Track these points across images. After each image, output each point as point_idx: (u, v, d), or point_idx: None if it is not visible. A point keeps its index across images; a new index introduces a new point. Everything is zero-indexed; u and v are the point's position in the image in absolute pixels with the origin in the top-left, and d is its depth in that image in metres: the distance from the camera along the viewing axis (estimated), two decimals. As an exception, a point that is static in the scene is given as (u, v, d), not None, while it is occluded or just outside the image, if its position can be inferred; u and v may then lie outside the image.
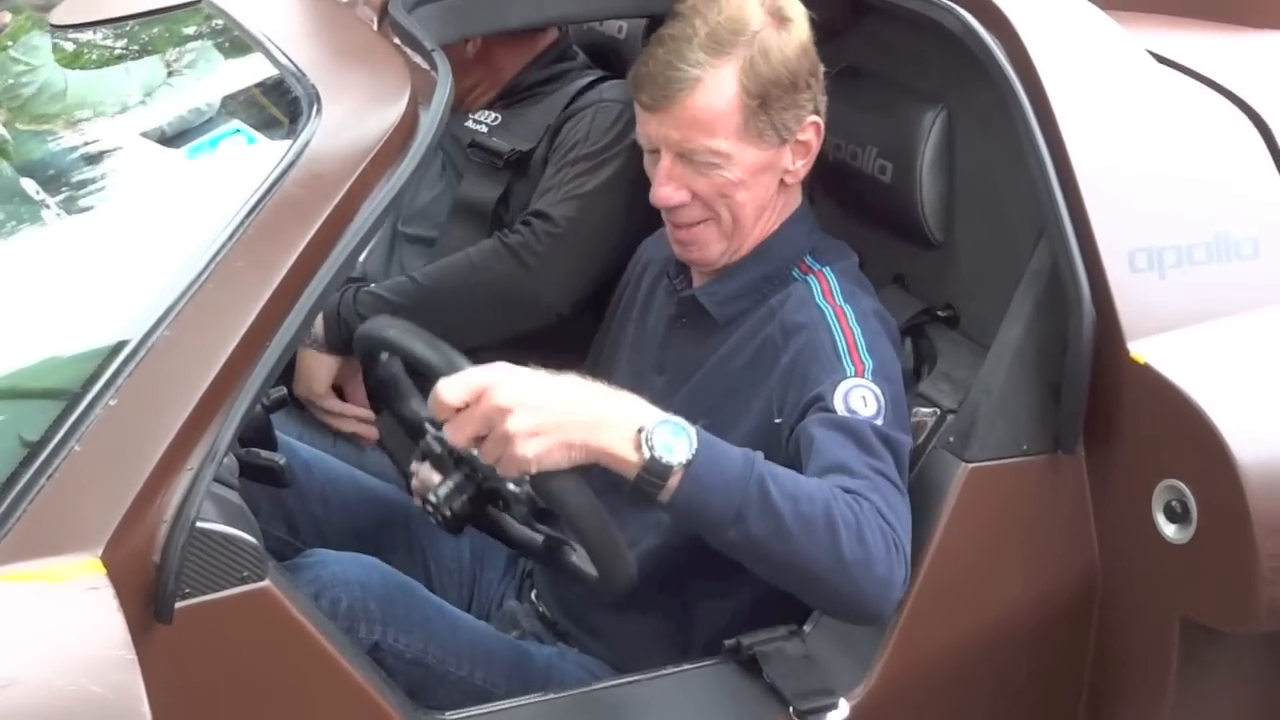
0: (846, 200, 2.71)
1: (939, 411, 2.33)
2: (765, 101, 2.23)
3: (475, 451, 1.92)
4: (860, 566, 1.94)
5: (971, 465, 2.22)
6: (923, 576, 2.17)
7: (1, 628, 1.66)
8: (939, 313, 2.54)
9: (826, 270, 2.34)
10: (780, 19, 2.27)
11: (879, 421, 2.11)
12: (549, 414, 1.85)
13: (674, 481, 1.88)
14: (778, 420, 2.21)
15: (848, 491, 1.98)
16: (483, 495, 2.16)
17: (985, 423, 2.23)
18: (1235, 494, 2.07)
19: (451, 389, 1.87)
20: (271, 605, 1.88)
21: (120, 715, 1.60)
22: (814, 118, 2.31)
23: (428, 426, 2.21)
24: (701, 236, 2.32)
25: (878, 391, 2.14)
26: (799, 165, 2.32)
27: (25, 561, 1.71)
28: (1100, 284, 2.21)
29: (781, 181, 2.33)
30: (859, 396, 2.12)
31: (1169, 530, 2.17)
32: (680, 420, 1.90)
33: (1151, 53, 2.47)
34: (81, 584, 1.70)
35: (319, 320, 2.76)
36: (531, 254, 2.73)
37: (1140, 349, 2.19)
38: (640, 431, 1.88)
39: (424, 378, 2.01)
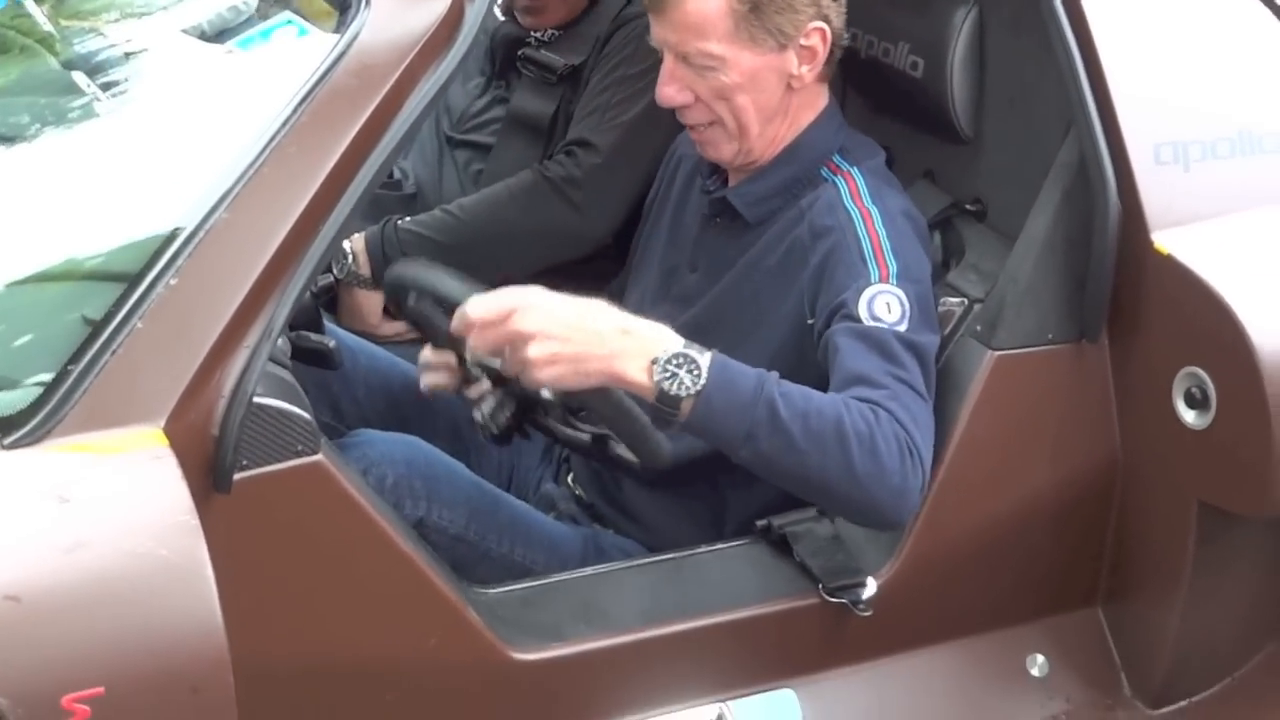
0: (878, 97, 2.73)
1: (966, 301, 2.36)
2: (756, 6, 2.23)
3: (498, 362, 2.03)
4: (872, 478, 2.00)
5: (998, 353, 2.26)
6: (948, 460, 2.23)
7: (70, 494, 1.71)
8: (967, 206, 2.56)
9: (855, 171, 2.35)
10: None
11: (902, 327, 2.14)
12: (567, 344, 1.94)
13: (686, 407, 1.96)
14: (810, 321, 2.25)
15: (868, 402, 2.04)
16: (522, 407, 2.27)
17: (1012, 311, 2.27)
18: (1254, 381, 2.12)
19: (479, 305, 1.96)
20: (324, 478, 1.95)
21: (185, 577, 1.67)
22: (818, 23, 2.28)
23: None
24: (710, 137, 2.35)
25: (902, 295, 2.17)
26: (804, 70, 2.30)
27: (91, 432, 1.77)
28: (1126, 176, 2.24)
29: (789, 86, 2.32)
30: (883, 303, 2.16)
31: (1189, 416, 2.22)
32: (694, 349, 1.97)
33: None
34: (146, 454, 1.76)
35: (364, 259, 2.79)
36: (576, 188, 2.76)
37: (1164, 240, 2.23)
38: (654, 362, 1.95)
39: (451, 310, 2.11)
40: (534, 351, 1.93)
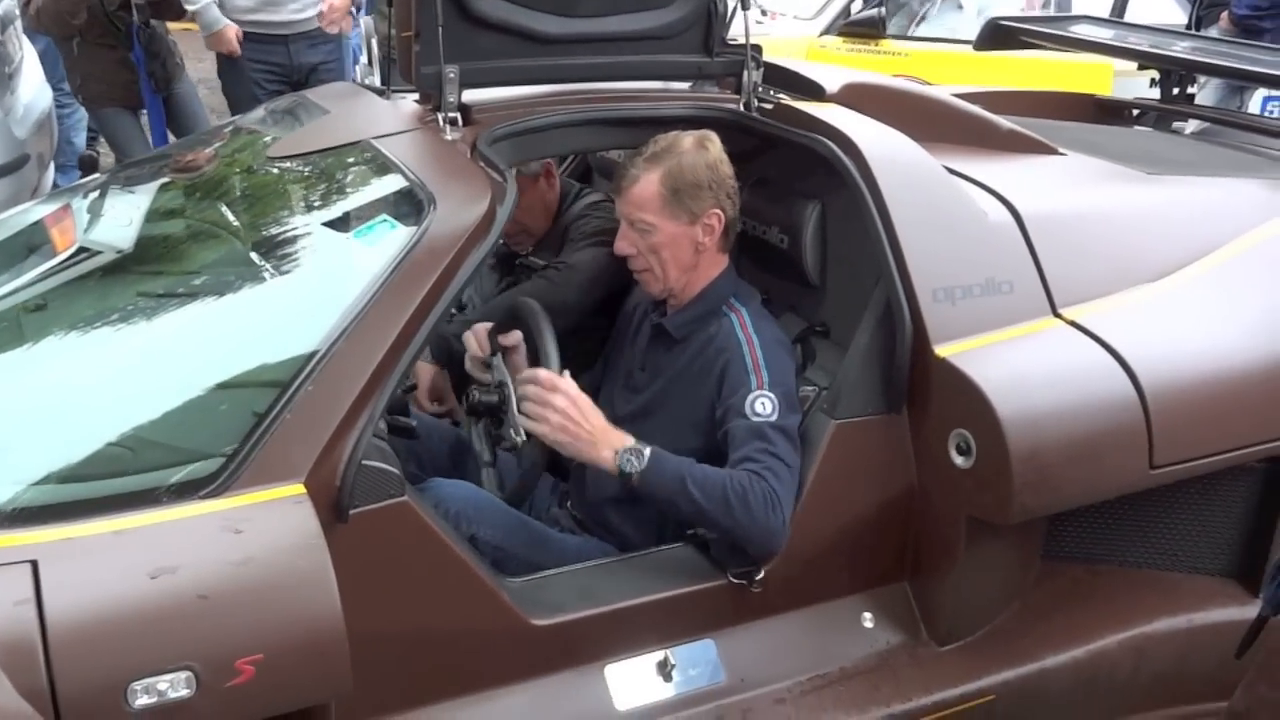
0: (760, 260, 2.69)
1: (818, 388, 2.33)
2: (676, 192, 2.25)
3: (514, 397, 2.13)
4: (745, 521, 2.05)
5: (838, 422, 2.22)
6: (808, 492, 2.18)
7: (242, 527, 1.68)
8: (817, 328, 2.53)
9: (743, 309, 2.33)
10: (701, 145, 2.29)
11: (774, 418, 2.13)
12: (574, 425, 2.04)
13: (635, 480, 2.04)
14: (716, 407, 2.23)
15: (748, 472, 2.06)
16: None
17: (846, 395, 2.24)
18: (998, 436, 2.09)
19: (547, 374, 2.07)
20: (408, 512, 1.90)
21: (317, 579, 1.64)
22: (716, 209, 2.28)
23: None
24: (646, 278, 2.35)
25: (773, 396, 2.16)
26: (706, 240, 2.30)
27: (256, 487, 1.74)
28: (915, 310, 2.22)
29: (697, 249, 2.30)
30: (760, 403, 2.15)
31: (959, 460, 2.18)
32: (641, 445, 2.06)
33: (947, 167, 2.47)
34: (291, 500, 1.73)
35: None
36: (557, 274, 2.74)
37: (941, 349, 2.20)
38: (617, 453, 2.04)
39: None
40: (552, 417, 2.02)
